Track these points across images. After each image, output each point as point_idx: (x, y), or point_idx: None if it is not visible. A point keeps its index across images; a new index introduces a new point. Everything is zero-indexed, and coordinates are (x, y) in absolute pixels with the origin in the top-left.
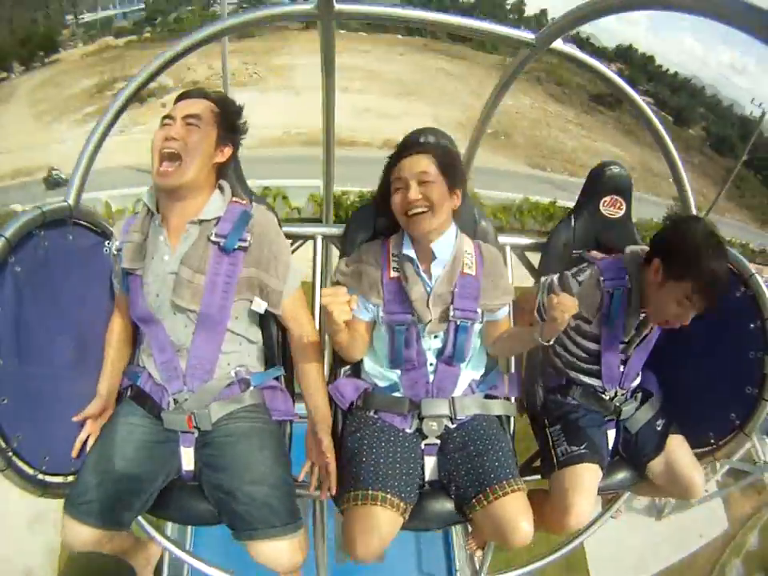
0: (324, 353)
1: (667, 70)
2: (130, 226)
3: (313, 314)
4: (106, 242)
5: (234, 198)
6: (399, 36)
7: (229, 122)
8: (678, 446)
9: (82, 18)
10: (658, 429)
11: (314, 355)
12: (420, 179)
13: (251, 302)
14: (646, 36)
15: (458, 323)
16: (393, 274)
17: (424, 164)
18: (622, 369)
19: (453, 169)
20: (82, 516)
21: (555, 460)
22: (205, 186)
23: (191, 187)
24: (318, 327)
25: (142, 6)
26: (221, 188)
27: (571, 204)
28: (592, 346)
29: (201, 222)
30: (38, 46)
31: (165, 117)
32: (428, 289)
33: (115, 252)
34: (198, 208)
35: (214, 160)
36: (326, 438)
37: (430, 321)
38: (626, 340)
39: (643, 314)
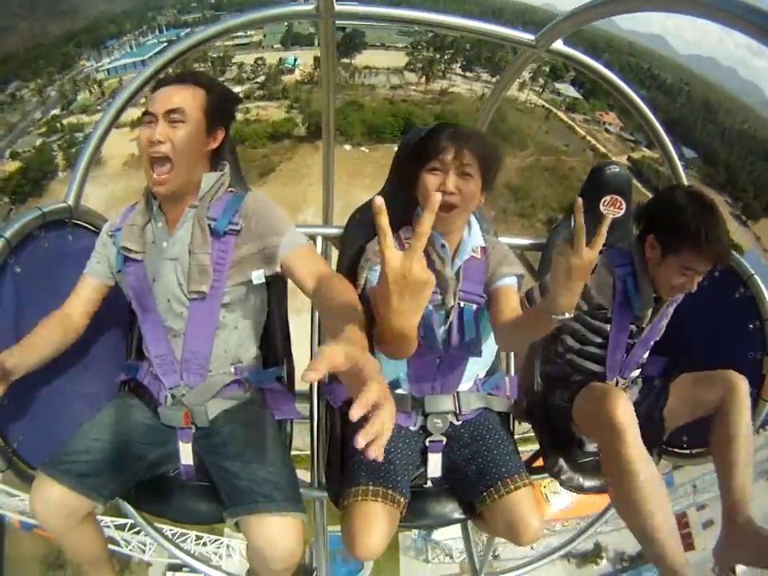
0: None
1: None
2: (132, 212)
3: (313, 314)
4: None
5: (231, 189)
6: None
7: (217, 105)
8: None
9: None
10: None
11: (344, 282)
12: (461, 171)
13: (249, 282)
14: (661, 14)
15: (462, 306)
16: None
17: (470, 158)
18: (624, 357)
19: (493, 172)
20: (58, 474)
21: (567, 395)
22: (202, 174)
23: (187, 180)
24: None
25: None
26: (221, 168)
27: None
28: (604, 326)
29: (197, 203)
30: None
31: (145, 112)
32: (452, 274)
33: (110, 233)
34: (197, 191)
35: (207, 149)
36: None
37: (452, 306)
38: (642, 326)
39: (655, 296)
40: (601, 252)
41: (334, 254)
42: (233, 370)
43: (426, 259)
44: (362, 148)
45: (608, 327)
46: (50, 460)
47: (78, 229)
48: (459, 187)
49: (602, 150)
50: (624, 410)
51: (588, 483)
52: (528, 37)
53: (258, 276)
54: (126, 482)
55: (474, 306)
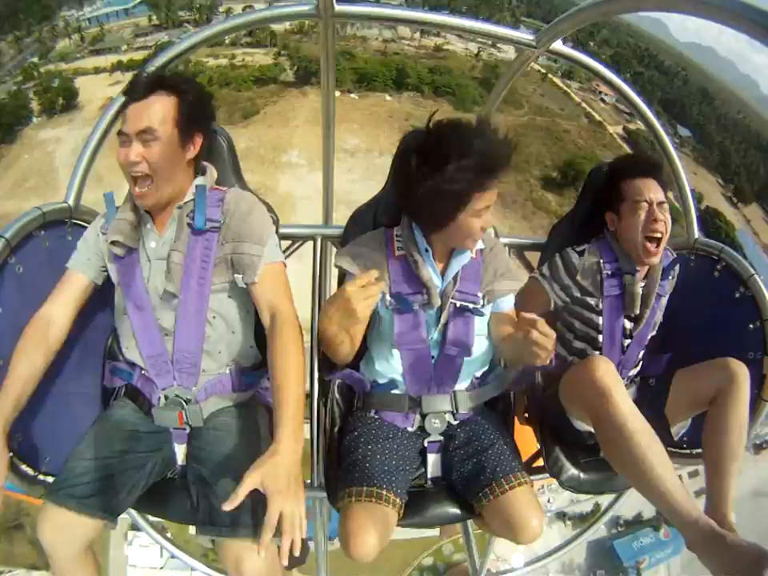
0: (311, 348)
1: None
2: (120, 208)
3: (313, 314)
4: None
5: (215, 186)
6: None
7: (190, 111)
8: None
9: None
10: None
11: (293, 334)
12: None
13: (233, 283)
14: None
15: (458, 305)
16: (398, 252)
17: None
18: (621, 356)
19: None
20: (62, 499)
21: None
22: (185, 181)
23: (170, 192)
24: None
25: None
26: (203, 171)
27: None
28: (596, 318)
29: (184, 204)
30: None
31: (119, 132)
32: (437, 275)
33: (102, 230)
34: (183, 195)
35: (186, 158)
36: (295, 465)
37: (440, 305)
38: (634, 315)
39: (641, 287)
40: (592, 243)
41: (335, 254)
42: (228, 370)
43: (407, 262)
44: (352, 95)
45: (600, 320)
46: (52, 487)
47: (78, 228)
48: (489, 222)
49: (597, 117)
50: (605, 371)
51: (589, 483)
52: (528, 37)
53: (239, 280)
54: (132, 493)
55: (470, 305)
